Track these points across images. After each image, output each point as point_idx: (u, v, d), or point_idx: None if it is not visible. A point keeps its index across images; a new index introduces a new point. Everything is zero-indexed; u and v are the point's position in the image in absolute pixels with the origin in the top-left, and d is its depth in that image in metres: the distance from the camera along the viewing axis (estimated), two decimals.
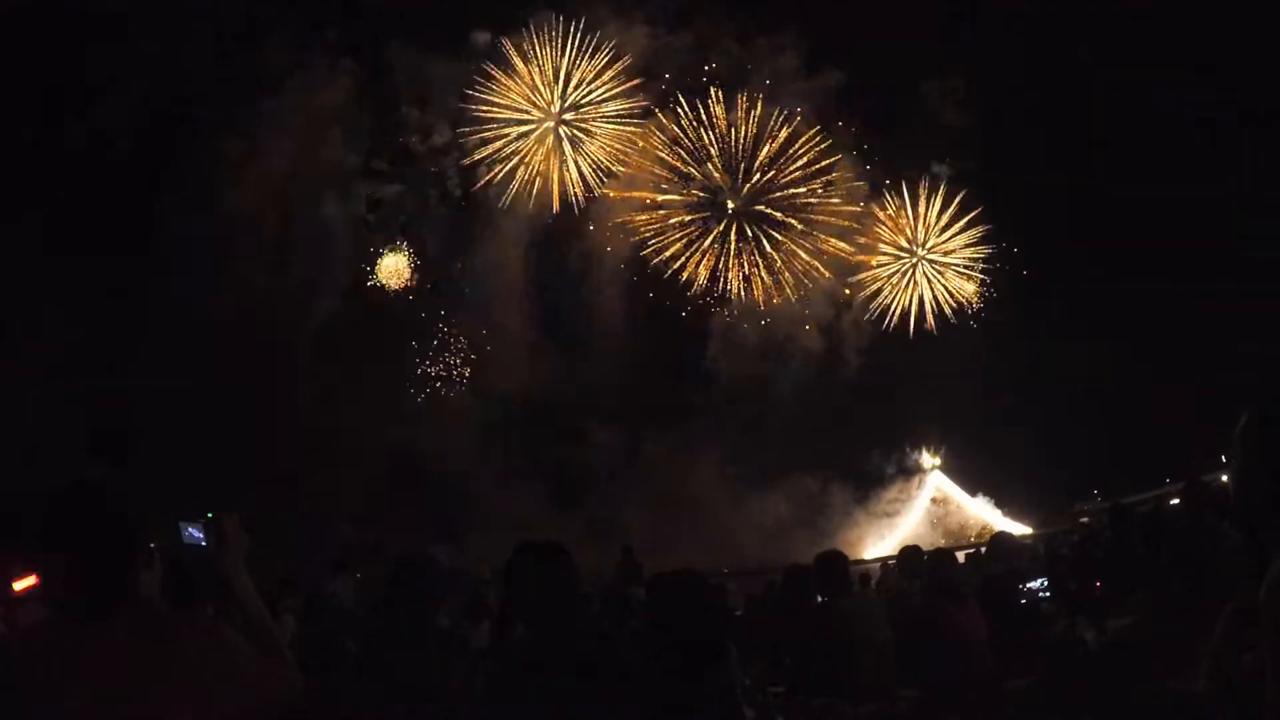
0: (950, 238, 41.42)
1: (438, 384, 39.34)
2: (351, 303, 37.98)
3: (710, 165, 40.70)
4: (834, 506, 40.15)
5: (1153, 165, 33.27)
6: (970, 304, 41.77)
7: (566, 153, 40.31)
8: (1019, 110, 35.15)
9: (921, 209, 41.31)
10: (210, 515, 3.03)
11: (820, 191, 40.96)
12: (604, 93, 39.90)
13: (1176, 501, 14.57)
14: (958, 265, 41.58)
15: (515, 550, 4.28)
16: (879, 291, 41.80)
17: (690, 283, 41.18)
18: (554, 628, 4.07)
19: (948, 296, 41.90)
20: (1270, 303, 28.92)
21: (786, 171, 40.79)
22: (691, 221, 41.07)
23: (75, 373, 29.21)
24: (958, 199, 40.74)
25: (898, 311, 41.87)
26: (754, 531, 38.69)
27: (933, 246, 41.63)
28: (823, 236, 41.13)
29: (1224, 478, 12.41)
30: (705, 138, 40.46)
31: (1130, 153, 34.11)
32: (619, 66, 39.24)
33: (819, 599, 7.23)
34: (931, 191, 41.17)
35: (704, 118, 40.23)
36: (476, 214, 40.25)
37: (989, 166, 38.87)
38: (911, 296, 41.91)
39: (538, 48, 39.45)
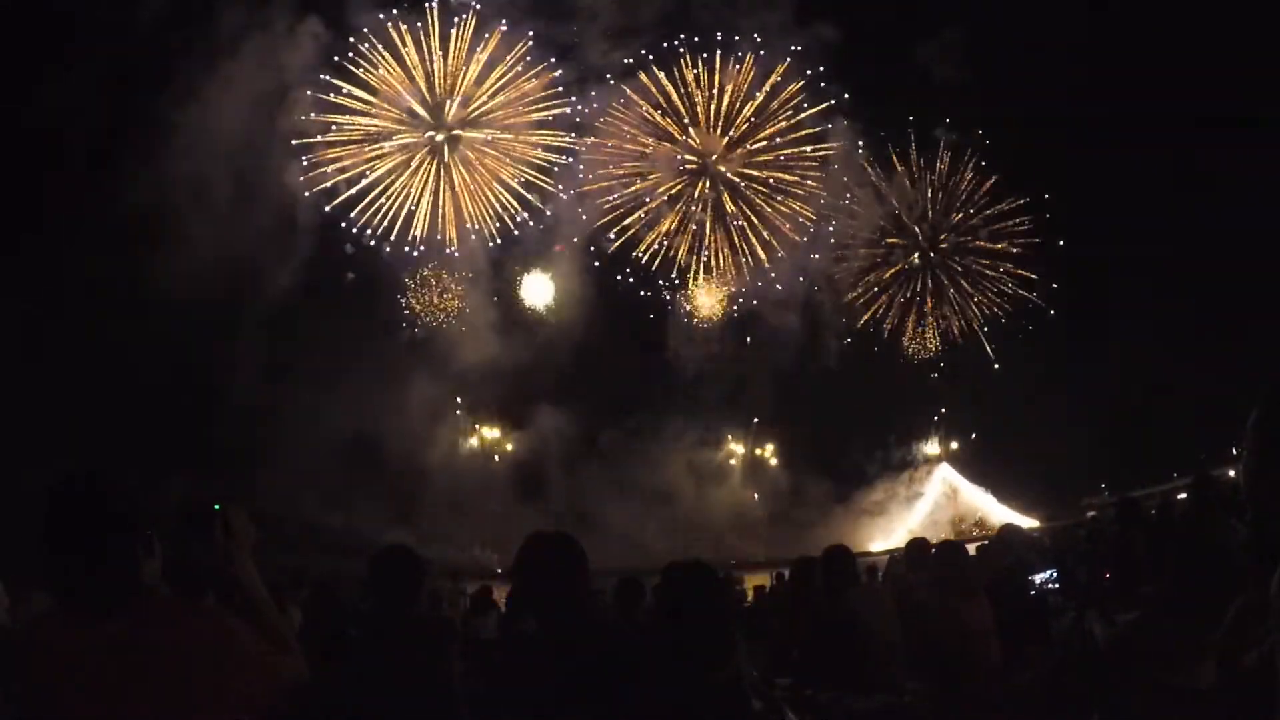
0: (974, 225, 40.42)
1: (396, 358, 38.45)
2: (313, 273, 37.02)
3: (691, 133, 39.72)
4: (814, 503, 39.65)
5: (1163, 149, 32.99)
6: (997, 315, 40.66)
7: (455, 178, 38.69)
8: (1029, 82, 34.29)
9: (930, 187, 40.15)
10: (217, 507, 3.04)
11: (807, 159, 39.97)
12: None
13: (1185, 496, 14.54)
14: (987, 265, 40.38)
15: (525, 541, 4.29)
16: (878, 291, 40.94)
17: (660, 261, 40.40)
18: (562, 619, 4.07)
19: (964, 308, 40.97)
20: None
21: (771, 138, 39.83)
22: (668, 192, 40.20)
23: (27, 348, 28.89)
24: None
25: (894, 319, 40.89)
26: (728, 527, 38.28)
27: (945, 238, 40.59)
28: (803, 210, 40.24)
29: (1232, 472, 12.35)
30: (684, 103, 39.40)
31: (1138, 135, 33.81)
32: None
33: (826, 591, 7.22)
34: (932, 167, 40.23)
35: (683, 79, 39.02)
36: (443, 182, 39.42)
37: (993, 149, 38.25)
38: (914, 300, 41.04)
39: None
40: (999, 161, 39.33)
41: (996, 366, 39.65)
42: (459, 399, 38.49)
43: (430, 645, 4.85)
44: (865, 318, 40.68)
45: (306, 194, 37.39)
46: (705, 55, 38.81)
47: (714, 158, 39.59)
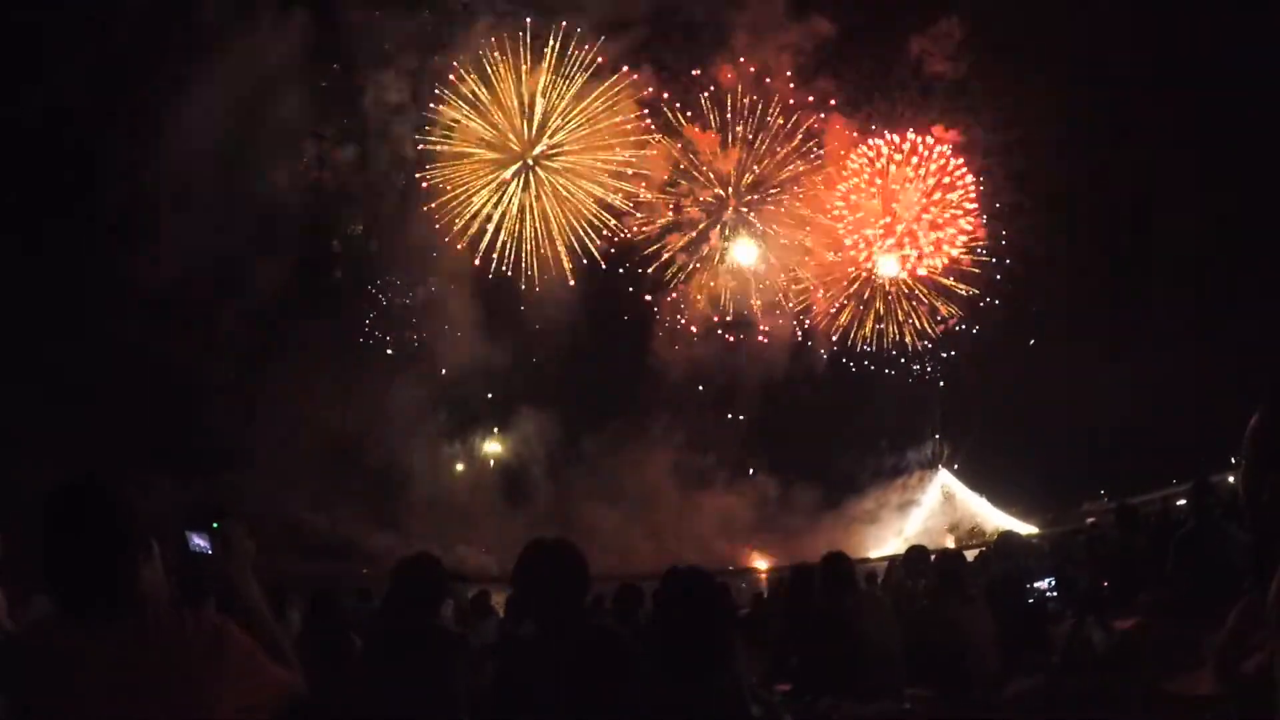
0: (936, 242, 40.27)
1: (378, 363, 38.08)
2: (301, 272, 36.29)
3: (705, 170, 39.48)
4: (804, 510, 39.28)
5: (1165, 150, 32.87)
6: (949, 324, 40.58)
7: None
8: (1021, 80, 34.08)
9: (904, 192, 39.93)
10: (216, 525, 3.02)
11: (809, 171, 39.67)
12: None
13: (1184, 502, 14.51)
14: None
15: (525, 547, 4.30)
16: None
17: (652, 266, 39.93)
18: (562, 625, 4.07)
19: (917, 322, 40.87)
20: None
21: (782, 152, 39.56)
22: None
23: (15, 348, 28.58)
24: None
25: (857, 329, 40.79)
26: (713, 531, 37.95)
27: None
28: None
29: (1231, 479, 12.34)
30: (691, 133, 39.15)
31: (1140, 138, 33.69)
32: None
33: (825, 597, 7.21)
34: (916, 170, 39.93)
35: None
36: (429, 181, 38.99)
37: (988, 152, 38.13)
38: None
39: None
40: (999, 163, 39.29)
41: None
42: (444, 401, 38.20)
43: (436, 654, 4.82)
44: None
45: (291, 191, 37.05)
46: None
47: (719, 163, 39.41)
